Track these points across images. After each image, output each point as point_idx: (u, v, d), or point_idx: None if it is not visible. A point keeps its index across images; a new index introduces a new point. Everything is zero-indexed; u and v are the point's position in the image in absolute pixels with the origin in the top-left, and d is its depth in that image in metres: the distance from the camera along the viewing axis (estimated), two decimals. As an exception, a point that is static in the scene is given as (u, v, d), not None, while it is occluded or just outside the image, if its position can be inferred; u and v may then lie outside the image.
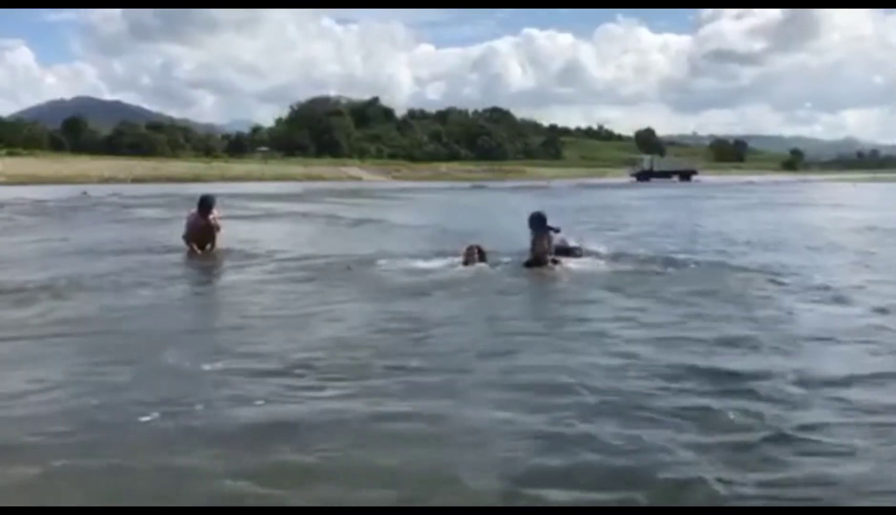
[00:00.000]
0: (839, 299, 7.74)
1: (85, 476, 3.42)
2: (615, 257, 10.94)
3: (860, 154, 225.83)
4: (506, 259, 10.07)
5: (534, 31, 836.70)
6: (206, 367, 5.10)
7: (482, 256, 9.70)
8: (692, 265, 10.38)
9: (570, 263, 9.71)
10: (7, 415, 4.23)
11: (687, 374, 4.91)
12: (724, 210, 26.09)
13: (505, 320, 6.70)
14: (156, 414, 4.15)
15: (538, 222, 9.64)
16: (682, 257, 11.20)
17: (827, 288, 8.37)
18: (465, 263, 9.54)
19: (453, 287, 8.35)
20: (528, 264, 9.52)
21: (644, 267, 10.13)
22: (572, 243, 11.00)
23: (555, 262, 9.50)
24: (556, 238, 10.09)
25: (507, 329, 6.31)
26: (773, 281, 8.89)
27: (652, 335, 6.11)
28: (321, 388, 4.69)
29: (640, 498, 3.15)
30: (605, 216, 21.15)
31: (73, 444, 3.79)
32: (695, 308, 7.20)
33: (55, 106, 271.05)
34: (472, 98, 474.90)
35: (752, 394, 4.47)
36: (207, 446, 3.72)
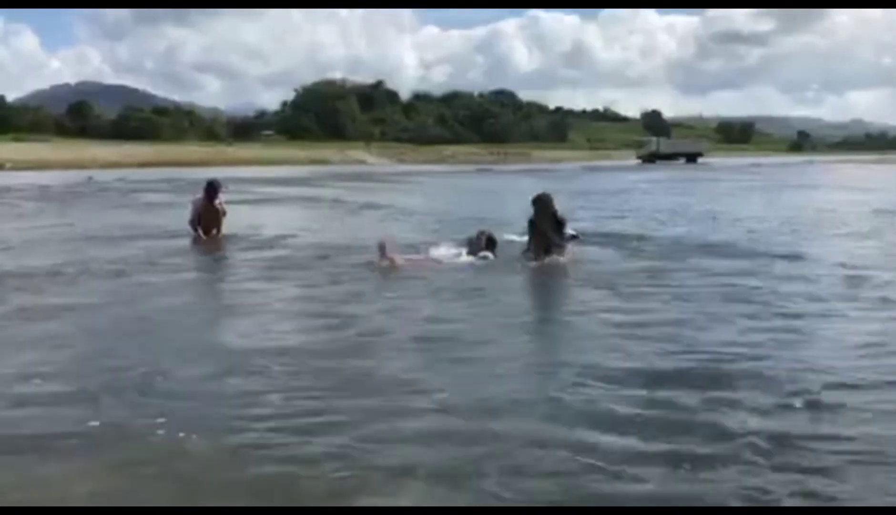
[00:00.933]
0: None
1: None
2: (621, 245, 10.75)
3: (868, 135, 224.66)
4: (515, 238, 10.03)
5: (539, 13, 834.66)
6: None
7: (490, 244, 9.37)
8: (713, 256, 9.89)
9: (577, 252, 9.55)
10: None
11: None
12: (737, 193, 25.90)
13: (487, 319, 6.28)
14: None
15: (538, 207, 9.52)
16: (702, 245, 10.86)
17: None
18: (471, 252, 9.22)
19: (450, 281, 7.98)
20: (533, 254, 9.36)
21: (653, 256, 9.82)
22: (570, 230, 10.92)
23: (559, 250, 9.29)
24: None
25: (483, 331, 5.85)
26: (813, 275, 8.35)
27: (642, 337, 5.62)
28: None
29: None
30: (615, 201, 20.94)
31: None
32: (709, 307, 6.70)
33: (59, 90, 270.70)
34: (477, 81, 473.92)
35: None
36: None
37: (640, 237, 11.55)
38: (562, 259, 9.22)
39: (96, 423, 3.90)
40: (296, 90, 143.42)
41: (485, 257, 9.18)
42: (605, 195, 23.73)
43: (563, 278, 8.58)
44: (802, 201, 21.83)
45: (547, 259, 9.12)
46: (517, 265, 9.07)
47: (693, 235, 12.22)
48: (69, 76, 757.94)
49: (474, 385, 4.50)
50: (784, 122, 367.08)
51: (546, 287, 8.34)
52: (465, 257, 9.17)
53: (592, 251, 10.02)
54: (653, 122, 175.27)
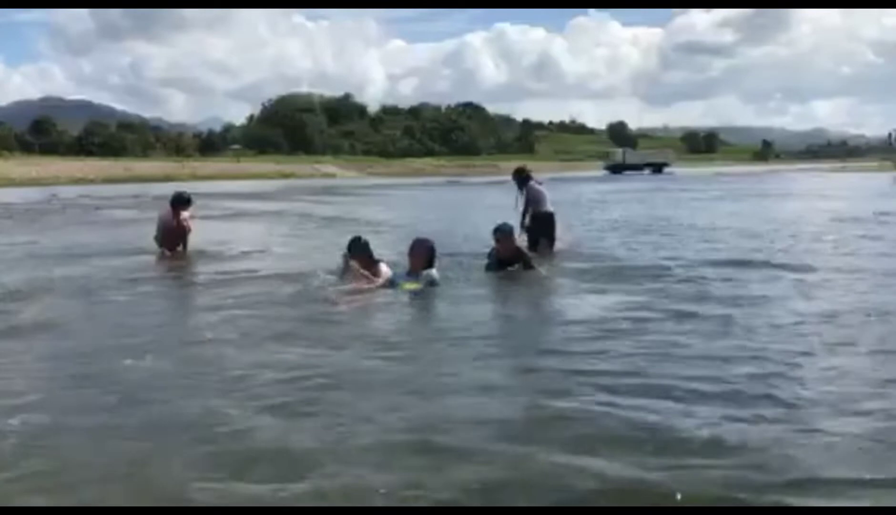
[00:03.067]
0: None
1: None
2: (603, 269, 9.84)
3: (829, 144, 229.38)
4: (476, 260, 9.64)
5: (506, 26, 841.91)
6: None
7: (428, 259, 7.95)
8: (705, 280, 8.72)
9: (544, 268, 9.29)
10: None
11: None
12: (710, 203, 25.87)
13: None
14: None
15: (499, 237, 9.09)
16: (688, 266, 9.85)
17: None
18: (411, 272, 7.89)
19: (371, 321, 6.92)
20: (493, 267, 8.98)
21: (645, 277, 8.92)
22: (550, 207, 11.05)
23: (525, 264, 8.99)
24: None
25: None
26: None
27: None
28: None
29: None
30: (591, 215, 20.59)
31: None
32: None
33: (22, 106, 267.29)
34: (444, 93, 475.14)
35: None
36: None
37: (619, 259, 10.83)
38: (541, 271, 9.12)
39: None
40: (263, 104, 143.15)
41: (432, 283, 7.84)
42: (579, 208, 23.50)
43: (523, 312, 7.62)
44: (785, 210, 21.70)
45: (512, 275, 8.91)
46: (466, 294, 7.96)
47: (678, 254, 11.15)
48: (32, 92, 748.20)
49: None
50: (748, 131, 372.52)
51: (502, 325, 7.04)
52: (408, 285, 7.80)
53: (570, 273, 9.49)
54: (618, 133, 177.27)
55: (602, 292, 8.17)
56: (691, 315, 6.72)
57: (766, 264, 9.94)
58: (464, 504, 3.12)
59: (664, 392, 4.46)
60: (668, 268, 9.65)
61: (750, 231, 14.82)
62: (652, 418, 4.02)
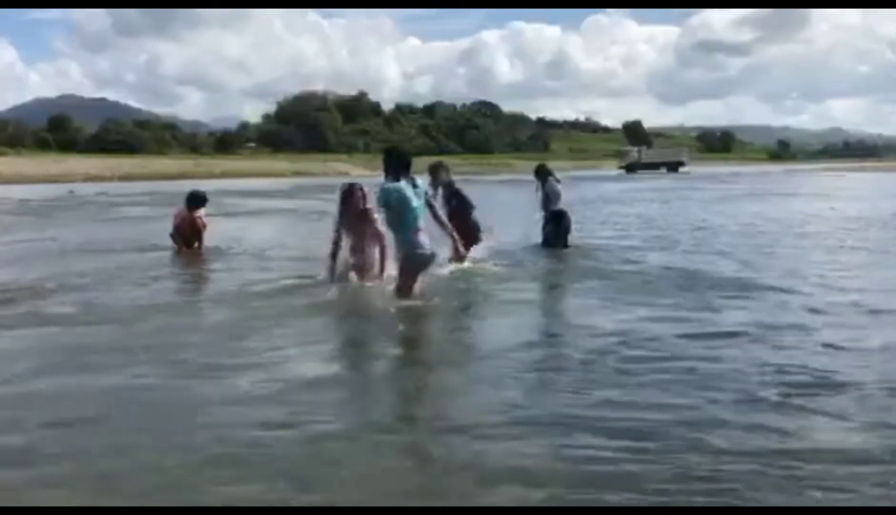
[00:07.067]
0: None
1: None
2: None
3: (847, 144, 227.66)
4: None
5: (521, 24, 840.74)
6: None
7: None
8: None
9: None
10: None
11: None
12: (734, 201, 25.61)
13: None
14: None
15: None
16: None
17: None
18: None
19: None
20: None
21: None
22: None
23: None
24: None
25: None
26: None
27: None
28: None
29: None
30: (623, 214, 20.36)
31: None
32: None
33: (40, 104, 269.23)
34: (459, 92, 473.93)
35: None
36: None
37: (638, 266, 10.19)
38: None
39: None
40: (278, 102, 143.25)
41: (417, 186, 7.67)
42: (609, 206, 23.27)
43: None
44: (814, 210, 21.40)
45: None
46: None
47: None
48: (49, 90, 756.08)
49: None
50: (764, 130, 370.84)
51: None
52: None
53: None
54: (634, 132, 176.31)
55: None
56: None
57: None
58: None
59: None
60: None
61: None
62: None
